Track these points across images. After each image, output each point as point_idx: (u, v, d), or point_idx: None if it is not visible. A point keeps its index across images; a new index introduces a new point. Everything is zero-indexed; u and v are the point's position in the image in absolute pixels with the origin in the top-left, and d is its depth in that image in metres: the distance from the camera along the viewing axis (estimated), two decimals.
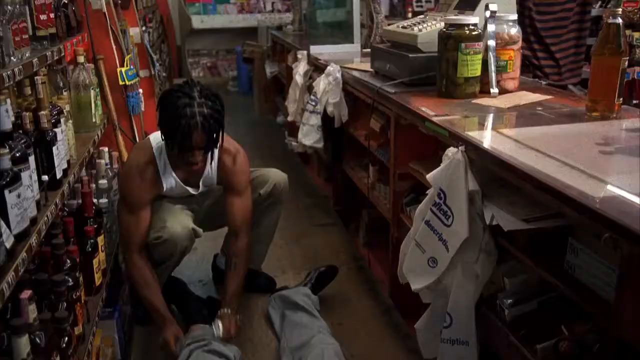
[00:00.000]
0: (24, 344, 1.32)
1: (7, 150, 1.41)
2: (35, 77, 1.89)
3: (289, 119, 4.05)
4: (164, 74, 6.20)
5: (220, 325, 2.32)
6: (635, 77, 4.47)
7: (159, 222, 2.31)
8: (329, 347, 2.11)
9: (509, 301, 1.65)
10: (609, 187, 1.33)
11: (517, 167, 1.46)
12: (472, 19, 2.20)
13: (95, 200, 2.38)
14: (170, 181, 2.34)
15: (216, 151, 2.31)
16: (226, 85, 8.28)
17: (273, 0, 8.45)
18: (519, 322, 1.63)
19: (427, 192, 1.86)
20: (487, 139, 1.76)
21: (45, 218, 1.66)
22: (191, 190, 2.41)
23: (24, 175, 1.50)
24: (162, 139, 2.19)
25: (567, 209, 1.28)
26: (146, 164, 2.28)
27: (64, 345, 1.58)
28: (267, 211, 2.63)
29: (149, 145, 2.31)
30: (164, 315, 2.32)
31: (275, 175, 2.63)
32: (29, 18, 2.03)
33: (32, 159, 1.62)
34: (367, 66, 3.00)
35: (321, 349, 2.09)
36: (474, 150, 1.67)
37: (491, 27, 2.24)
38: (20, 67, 1.72)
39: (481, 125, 1.94)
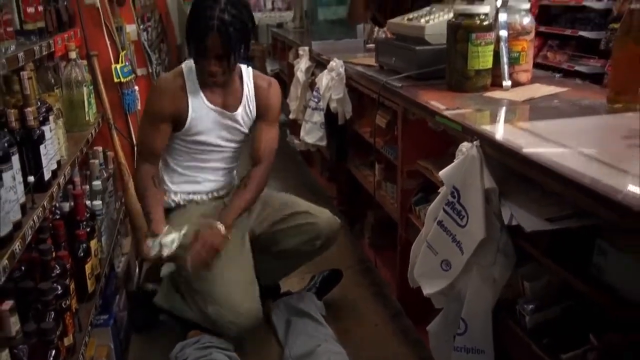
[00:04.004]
0: (3, 359, 1.21)
1: None
2: (21, 73, 1.77)
3: (291, 116, 3.95)
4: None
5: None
6: None
7: (230, 303, 2.10)
8: (336, 357, 2.00)
9: (530, 307, 1.53)
10: None
11: (540, 162, 1.34)
12: (483, 8, 2.09)
13: (88, 202, 2.27)
14: (198, 101, 2.20)
15: (250, 72, 2.29)
16: None
17: None
18: (540, 330, 1.51)
19: (439, 190, 1.75)
20: (504, 132, 1.64)
21: (32, 222, 1.55)
22: (226, 112, 2.25)
23: (6, 177, 1.39)
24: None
25: (600, 209, 1.16)
26: (174, 77, 2.22)
27: (51, 358, 1.46)
28: (313, 254, 2.46)
29: (180, 66, 2.26)
30: (151, 219, 2.18)
31: (327, 226, 2.40)
32: (15, 10, 1.93)
33: (16, 158, 1.51)
34: (371, 61, 2.89)
35: (327, 359, 1.97)
36: (490, 145, 1.55)
37: (503, 17, 2.12)
38: (4, 61, 1.62)
39: (496, 119, 1.82)
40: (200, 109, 2.20)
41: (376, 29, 3.73)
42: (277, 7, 8.42)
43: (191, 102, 2.18)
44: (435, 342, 1.82)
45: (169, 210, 2.28)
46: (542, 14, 5.17)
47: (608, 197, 1.12)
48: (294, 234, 2.33)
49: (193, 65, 2.20)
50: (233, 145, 2.31)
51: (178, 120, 2.19)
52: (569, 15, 4.96)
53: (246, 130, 2.31)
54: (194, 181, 2.29)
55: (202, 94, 2.20)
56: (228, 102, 2.25)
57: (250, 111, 2.29)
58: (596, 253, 1.36)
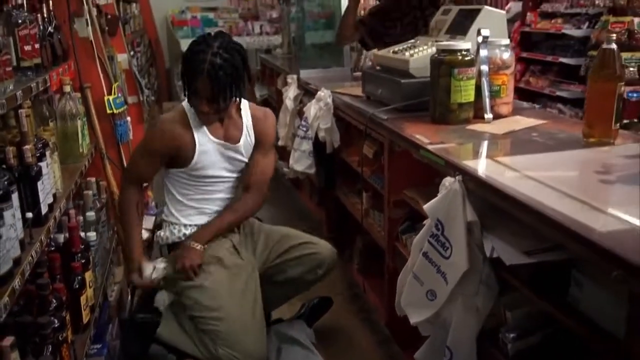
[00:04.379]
0: None
1: None
2: (19, 111, 1.83)
3: (280, 143, 4.01)
4: (152, 98, 6.16)
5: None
6: (625, 96, 4.49)
7: (244, 347, 2.17)
8: None
9: (512, 335, 1.60)
10: (614, 219, 1.29)
11: (516, 198, 1.41)
12: (464, 44, 2.18)
13: (82, 234, 2.31)
14: (204, 136, 2.26)
15: (246, 103, 2.35)
16: None
17: (261, 23, 8.44)
18: (522, 357, 1.58)
19: (424, 222, 1.82)
20: (484, 168, 1.72)
21: (30, 258, 1.60)
22: (229, 144, 2.31)
23: (6, 215, 1.44)
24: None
25: (571, 244, 1.24)
26: (178, 115, 2.27)
27: None
28: (314, 282, 2.53)
29: (180, 105, 2.32)
30: (131, 256, 2.34)
31: (328, 256, 2.51)
32: (12, 49, 1.99)
33: (15, 196, 1.55)
34: (358, 91, 2.97)
35: None
36: (471, 180, 1.63)
37: (484, 52, 2.21)
38: (4, 101, 1.67)
39: (478, 153, 1.90)
40: (206, 143, 2.26)
41: (363, 56, 3.83)
42: (266, 31, 8.54)
43: (197, 137, 2.24)
44: None
45: (178, 244, 2.33)
46: (524, 40, 5.32)
47: (581, 235, 1.19)
48: (297, 264, 2.42)
49: None
50: (235, 175, 2.39)
51: (183, 157, 2.25)
52: (549, 42, 5.10)
53: (247, 160, 2.38)
54: (202, 212, 2.35)
55: (205, 129, 2.26)
56: (230, 134, 2.32)
57: (251, 141, 2.37)
58: (572, 284, 1.43)
